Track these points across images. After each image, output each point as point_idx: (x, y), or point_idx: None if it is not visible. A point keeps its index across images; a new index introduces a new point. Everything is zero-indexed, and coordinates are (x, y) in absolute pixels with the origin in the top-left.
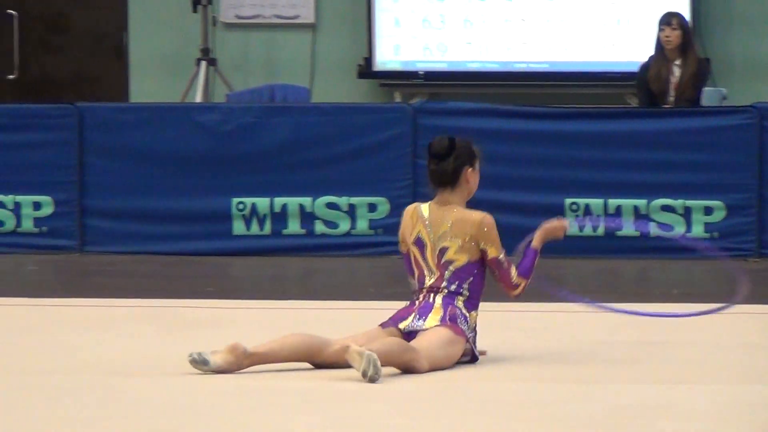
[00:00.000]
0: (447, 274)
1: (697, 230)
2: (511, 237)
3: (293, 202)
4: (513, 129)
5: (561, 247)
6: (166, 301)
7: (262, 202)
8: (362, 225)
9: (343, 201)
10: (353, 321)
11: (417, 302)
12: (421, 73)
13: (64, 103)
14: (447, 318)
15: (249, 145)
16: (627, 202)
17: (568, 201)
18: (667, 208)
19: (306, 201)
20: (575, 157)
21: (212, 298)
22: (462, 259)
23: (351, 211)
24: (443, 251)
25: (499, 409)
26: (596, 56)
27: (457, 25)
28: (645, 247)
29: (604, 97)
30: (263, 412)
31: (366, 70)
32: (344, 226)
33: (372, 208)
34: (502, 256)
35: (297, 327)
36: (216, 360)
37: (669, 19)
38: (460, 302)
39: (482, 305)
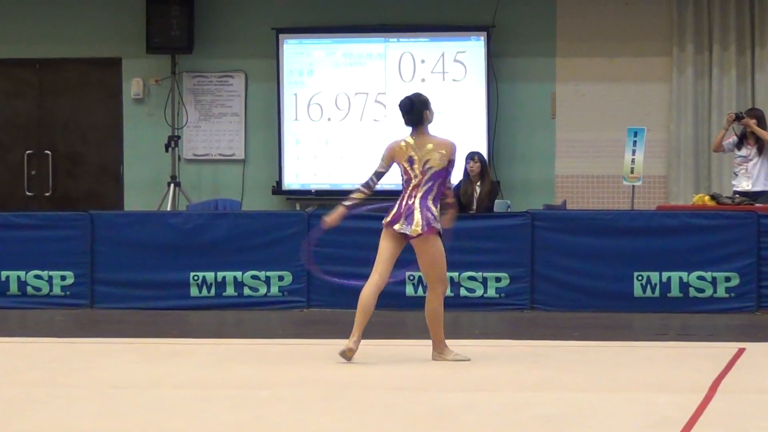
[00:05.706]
0: (427, 175)
1: (491, 292)
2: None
3: (230, 274)
4: (371, 227)
5: (403, 303)
6: (148, 339)
7: (210, 275)
8: (274, 289)
9: (262, 274)
10: (271, 352)
11: (403, 204)
12: (313, 190)
13: (81, 212)
14: (425, 225)
15: (202, 238)
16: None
17: (408, 273)
18: (471, 278)
19: (238, 274)
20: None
21: (177, 337)
22: (438, 166)
23: (267, 281)
24: (427, 161)
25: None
26: None
27: (337, 159)
28: (459, 303)
29: None
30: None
31: (277, 189)
32: (263, 290)
33: (281, 278)
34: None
35: (232, 356)
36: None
37: (472, 156)
38: (430, 200)
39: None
